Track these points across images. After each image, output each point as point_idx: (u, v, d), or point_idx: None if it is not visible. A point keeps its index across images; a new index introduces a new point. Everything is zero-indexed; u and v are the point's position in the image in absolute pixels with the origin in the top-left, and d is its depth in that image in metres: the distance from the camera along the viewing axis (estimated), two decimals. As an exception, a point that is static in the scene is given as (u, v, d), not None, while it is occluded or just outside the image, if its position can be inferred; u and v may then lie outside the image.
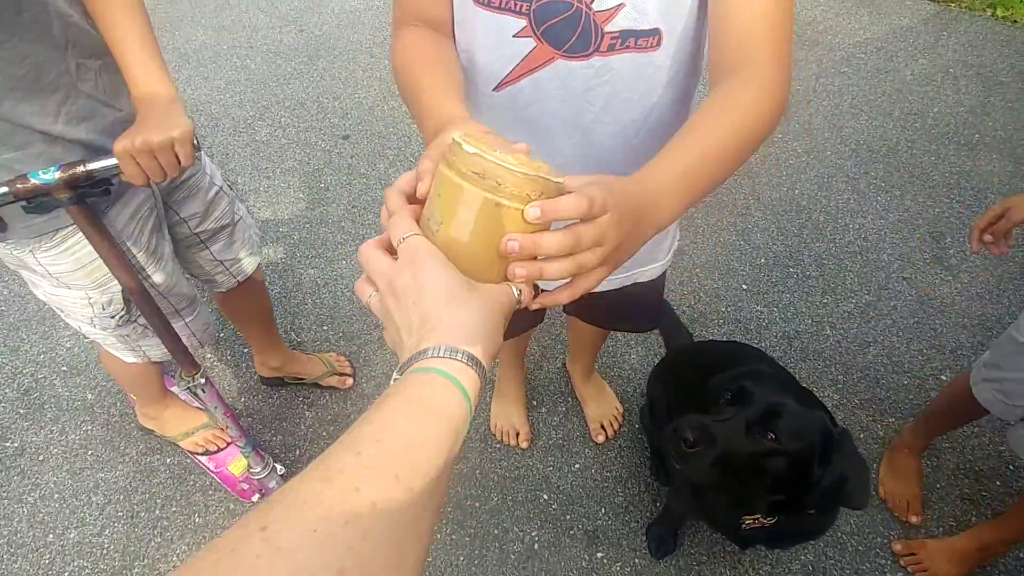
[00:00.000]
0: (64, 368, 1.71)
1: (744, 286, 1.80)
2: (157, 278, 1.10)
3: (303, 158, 2.20)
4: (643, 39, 0.67)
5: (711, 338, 1.69)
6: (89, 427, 1.60)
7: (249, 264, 1.32)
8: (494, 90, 0.75)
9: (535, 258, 0.44)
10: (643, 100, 0.73)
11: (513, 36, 0.69)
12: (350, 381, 1.63)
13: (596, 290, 0.97)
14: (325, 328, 1.76)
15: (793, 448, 0.86)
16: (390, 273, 0.44)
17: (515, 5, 0.66)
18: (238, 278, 1.31)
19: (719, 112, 0.59)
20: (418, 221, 0.47)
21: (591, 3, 0.65)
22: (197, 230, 1.18)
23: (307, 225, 2.00)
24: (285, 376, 1.60)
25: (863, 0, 2.67)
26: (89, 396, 1.65)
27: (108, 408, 1.63)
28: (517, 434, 1.53)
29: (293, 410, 1.61)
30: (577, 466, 1.50)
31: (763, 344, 1.67)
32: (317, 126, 2.30)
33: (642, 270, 0.98)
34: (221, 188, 1.19)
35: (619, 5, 0.65)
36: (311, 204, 2.06)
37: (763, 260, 1.86)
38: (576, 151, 0.78)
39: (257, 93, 2.43)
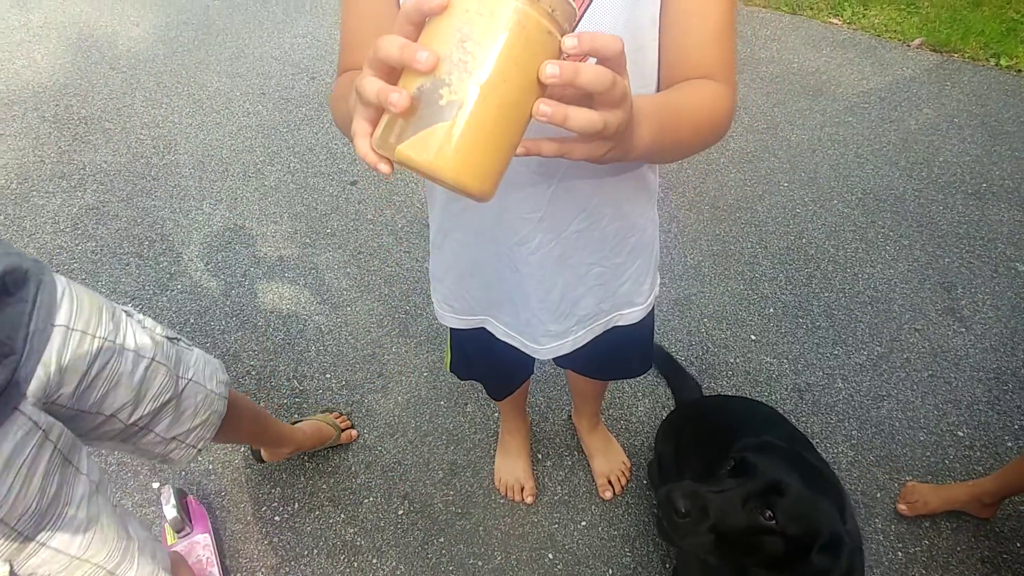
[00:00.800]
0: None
1: (753, 336, 1.77)
2: (58, 542, 0.81)
3: (311, 203, 2.22)
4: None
5: (720, 390, 1.66)
6: (86, 476, 1.57)
7: (213, 418, 1.07)
8: None
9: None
10: None
11: None
12: (355, 433, 1.60)
13: (582, 343, 0.96)
14: (328, 376, 1.74)
15: (792, 531, 0.82)
16: None
17: None
18: (199, 446, 1.05)
19: (690, 88, 0.63)
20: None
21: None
22: (131, 420, 0.93)
23: (313, 271, 2.00)
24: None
25: (866, 51, 2.71)
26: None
27: (104, 457, 1.60)
28: (522, 488, 1.49)
29: (292, 461, 1.58)
30: (584, 523, 1.45)
31: (774, 397, 1.64)
32: (326, 171, 2.33)
33: (620, 313, 0.96)
34: (153, 359, 0.94)
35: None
36: (318, 250, 2.07)
37: (772, 310, 1.83)
38: (549, 201, 0.77)
39: (268, 139, 2.47)
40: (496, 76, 0.38)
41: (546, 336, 0.93)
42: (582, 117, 0.39)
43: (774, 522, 0.82)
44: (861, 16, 2.88)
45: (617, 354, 1.14)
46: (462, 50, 0.37)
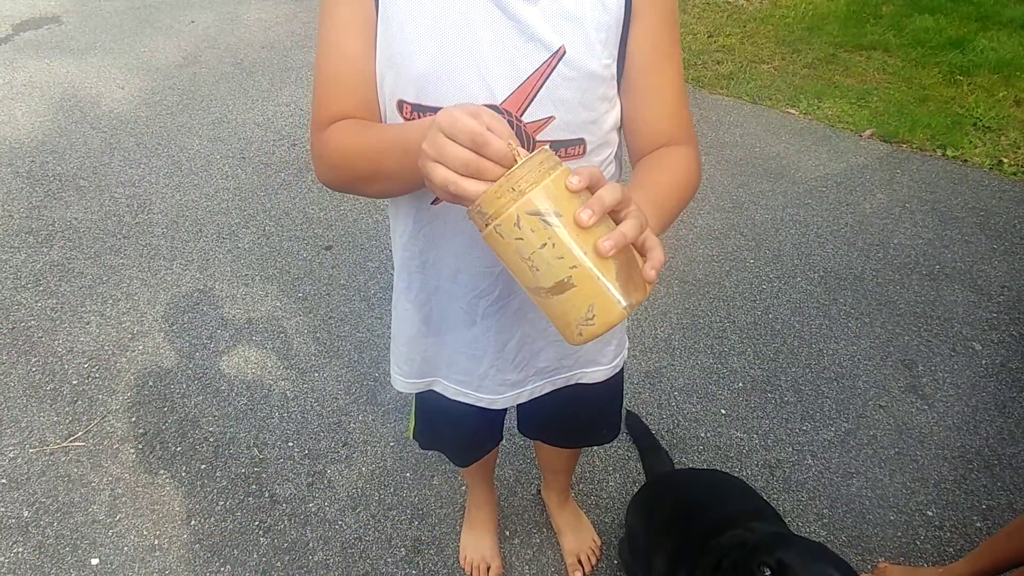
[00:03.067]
0: (3, 480, 1.59)
1: (723, 411, 1.78)
2: None
3: (284, 266, 2.21)
4: (571, 147, 0.73)
5: (691, 465, 1.65)
6: (20, 549, 1.46)
7: None
8: (432, 204, 0.77)
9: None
10: None
11: None
12: None
13: (540, 393, 0.96)
14: (290, 444, 1.68)
15: None
16: None
17: None
18: None
19: (666, 163, 0.73)
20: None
21: (520, 116, 0.69)
22: None
23: (281, 335, 1.97)
24: None
25: (821, 139, 2.88)
26: (25, 513, 1.53)
27: (44, 528, 1.50)
28: (488, 568, 1.42)
29: (246, 535, 1.49)
30: (551, 607, 1.39)
31: (745, 472, 1.63)
32: (301, 235, 2.33)
33: (583, 371, 0.96)
34: None
35: (548, 118, 0.70)
36: (287, 313, 2.04)
37: (741, 384, 1.85)
38: None
39: (244, 201, 2.48)
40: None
41: (503, 385, 0.92)
42: (631, 230, 0.50)
43: None
44: (816, 107, 3.08)
45: (584, 419, 1.13)
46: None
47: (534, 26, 0.66)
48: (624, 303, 0.49)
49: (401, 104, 0.70)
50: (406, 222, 0.82)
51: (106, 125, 2.88)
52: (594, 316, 0.49)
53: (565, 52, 0.67)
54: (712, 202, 2.50)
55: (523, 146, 0.66)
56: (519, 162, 0.49)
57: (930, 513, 1.56)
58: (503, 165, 0.50)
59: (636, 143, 0.77)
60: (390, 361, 1.00)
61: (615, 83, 0.73)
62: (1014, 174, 2.69)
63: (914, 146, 2.85)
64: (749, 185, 2.59)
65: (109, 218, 2.38)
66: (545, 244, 0.48)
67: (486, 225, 0.50)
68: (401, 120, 0.70)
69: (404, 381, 0.98)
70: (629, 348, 1.03)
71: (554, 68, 0.67)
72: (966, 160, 2.77)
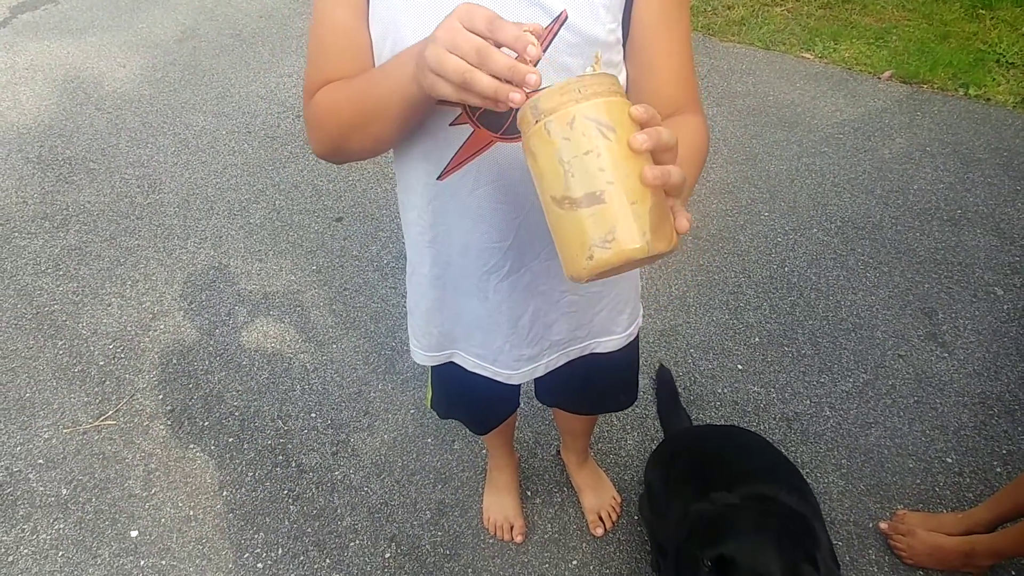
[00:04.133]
0: (40, 461, 1.65)
1: (740, 366, 1.78)
2: None
3: (296, 240, 2.22)
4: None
5: (709, 421, 1.66)
6: (61, 525, 1.52)
7: None
8: (438, 179, 0.76)
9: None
10: None
11: (449, 125, 0.71)
12: None
13: (556, 366, 0.96)
14: (313, 415, 1.71)
15: None
16: None
17: None
18: None
19: (679, 126, 0.69)
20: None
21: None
22: None
23: (298, 308, 1.99)
24: None
25: (838, 83, 2.79)
26: (64, 491, 1.59)
27: (83, 505, 1.56)
28: (511, 527, 1.46)
29: (276, 504, 1.54)
30: (575, 562, 1.43)
31: (762, 427, 1.63)
32: (311, 208, 2.33)
33: (597, 340, 0.96)
34: None
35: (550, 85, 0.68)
36: (303, 287, 2.06)
37: (757, 339, 1.84)
38: (517, 232, 0.79)
39: (253, 176, 2.48)
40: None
41: (519, 360, 0.93)
42: (676, 174, 0.49)
43: None
44: (832, 50, 2.97)
45: (601, 386, 1.13)
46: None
47: None
48: (646, 237, 0.47)
49: None
50: (413, 197, 0.81)
51: (111, 105, 2.87)
52: (613, 240, 0.47)
53: (567, 17, 0.65)
54: (725, 155, 2.44)
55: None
56: (589, 71, 0.49)
57: (949, 460, 1.56)
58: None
59: None
60: (408, 334, 1.00)
61: (620, 48, 0.71)
62: (1040, 111, 2.59)
63: (935, 86, 2.75)
64: (763, 135, 2.53)
65: (121, 200, 2.40)
66: (590, 152, 0.47)
67: (536, 122, 0.49)
68: None
69: (424, 354, 0.99)
70: (644, 308, 1.03)
71: (556, 33, 0.65)
72: (989, 99, 2.67)
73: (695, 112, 0.74)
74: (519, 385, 1.20)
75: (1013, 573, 1.37)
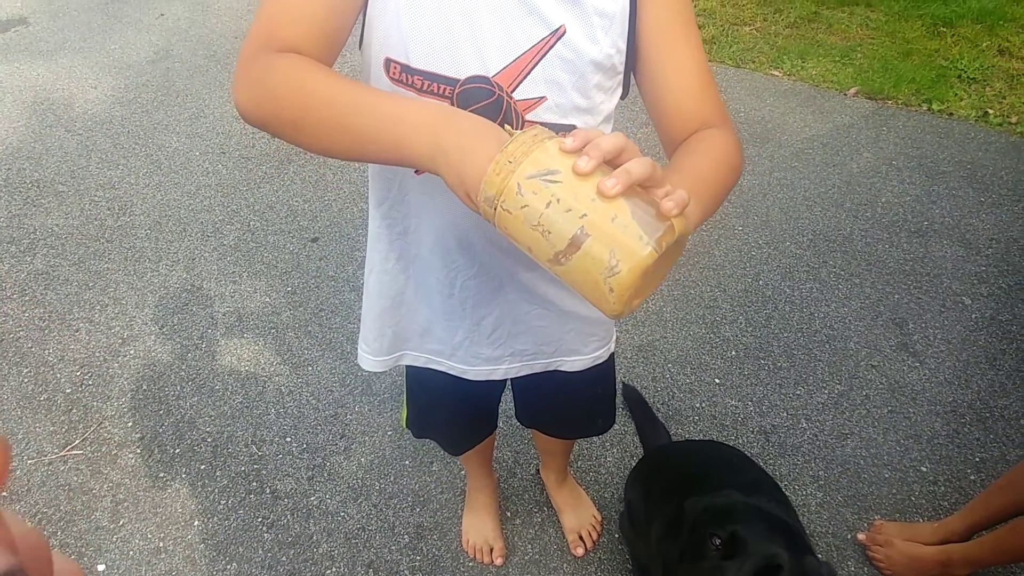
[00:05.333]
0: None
1: (717, 380, 1.79)
2: None
3: (271, 261, 2.19)
4: (560, 132, 0.71)
5: (687, 435, 1.66)
6: (25, 561, 1.47)
7: None
8: (416, 173, 0.75)
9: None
10: None
11: None
12: None
13: (515, 375, 0.94)
14: (288, 440, 1.68)
15: None
16: None
17: (438, 88, 0.66)
18: None
19: (705, 148, 0.67)
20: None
21: (511, 92, 0.67)
22: None
23: (273, 330, 1.96)
24: None
25: (806, 100, 2.85)
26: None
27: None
28: (491, 549, 1.44)
29: (250, 532, 1.50)
30: (556, 583, 1.41)
31: (740, 440, 1.64)
32: (286, 229, 2.31)
33: (563, 359, 0.96)
34: None
35: (540, 98, 0.68)
36: (278, 308, 2.03)
37: (734, 353, 1.86)
38: (493, 234, 0.78)
39: (227, 197, 2.46)
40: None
41: (477, 358, 0.92)
42: (637, 166, 0.48)
43: None
44: (799, 68, 3.05)
45: (578, 411, 1.13)
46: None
47: (536, 0, 0.64)
48: (647, 238, 0.46)
49: (389, 63, 0.66)
50: (389, 190, 0.79)
51: (81, 127, 2.83)
52: (618, 262, 0.46)
53: (565, 32, 0.65)
54: (698, 171, 2.48)
55: (512, 125, 0.64)
56: (511, 138, 0.48)
57: (924, 469, 1.58)
58: None
59: (667, 131, 0.72)
60: (359, 341, 0.98)
61: (616, 75, 0.71)
62: (1000, 124, 2.67)
63: (899, 102, 2.83)
64: (735, 151, 2.57)
65: (91, 223, 2.35)
66: (549, 203, 0.47)
67: (494, 210, 0.49)
68: (386, 79, 0.67)
69: (372, 359, 0.97)
70: (622, 324, 1.03)
71: (552, 47, 0.65)
72: (951, 113, 2.75)
73: (722, 124, 0.70)
74: (496, 407, 1.19)
75: (989, 581, 1.38)
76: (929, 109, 2.78)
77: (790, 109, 2.80)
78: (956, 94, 2.83)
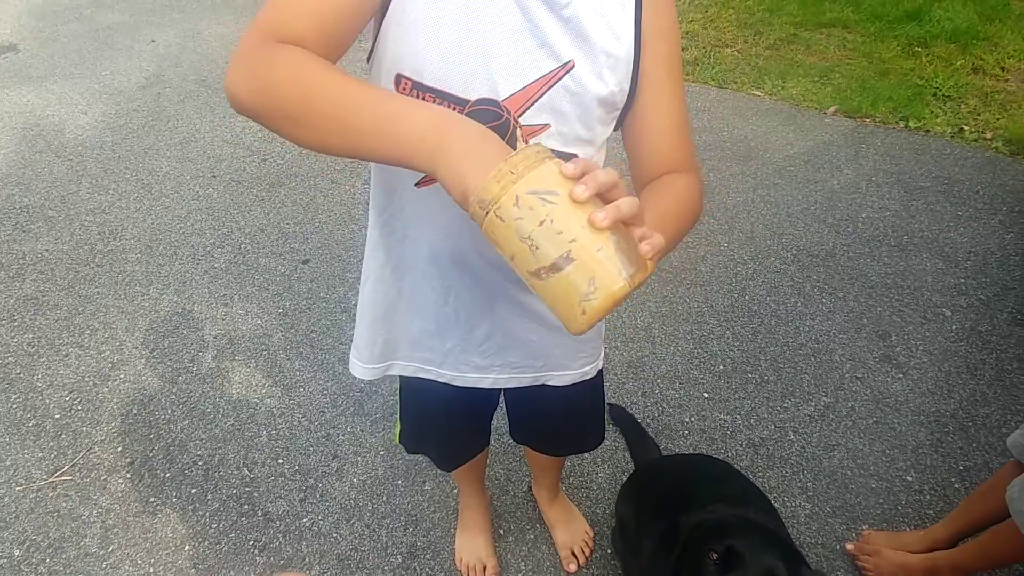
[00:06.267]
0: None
1: (706, 395, 1.81)
2: None
3: (262, 283, 2.20)
4: (561, 159, 0.73)
5: (677, 450, 1.68)
6: (12, 590, 1.45)
7: None
8: (416, 185, 0.77)
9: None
10: None
11: None
12: None
13: (503, 386, 0.96)
14: (280, 462, 1.68)
15: None
16: None
17: (448, 107, 0.67)
18: None
19: (672, 190, 0.73)
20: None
21: (518, 117, 0.70)
22: None
23: (264, 352, 1.97)
24: None
25: (787, 119, 2.92)
26: (16, 552, 1.52)
27: (36, 566, 1.49)
28: (484, 568, 1.44)
29: (242, 555, 1.50)
30: (549, 601, 1.41)
31: (729, 453, 1.66)
32: (277, 251, 2.33)
33: (551, 374, 0.98)
34: None
35: (544, 125, 0.71)
36: (269, 330, 2.04)
37: (722, 367, 1.88)
38: (487, 250, 0.79)
39: (218, 220, 2.47)
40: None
41: (467, 366, 0.94)
42: (625, 205, 0.50)
43: None
44: (780, 88, 3.13)
45: (570, 427, 1.14)
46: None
47: (549, 33, 0.66)
48: (625, 274, 0.50)
49: (400, 78, 0.67)
50: (390, 198, 0.82)
51: (71, 152, 2.85)
52: (596, 289, 0.50)
53: (574, 66, 0.68)
54: (683, 189, 2.52)
55: (515, 146, 0.68)
56: (516, 151, 0.51)
57: (909, 478, 1.60)
58: None
59: (640, 167, 0.77)
60: (351, 349, 1.00)
61: (616, 110, 0.75)
62: (975, 140, 2.75)
63: (877, 120, 2.90)
64: (720, 169, 2.63)
65: (81, 247, 2.36)
66: (544, 221, 0.49)
67: (486, 213, 0.51)
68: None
69: (363, 367, 0.98)
70: (611, 340, 1.05)
71: (560, 79, 0.68)
72: (928, 130, 2.83)
73: (688, 169, 0.76)
74: (489, 421, 1.21)
75: (976, 589, 1.40)
76: (906, 126, 2.86)
77: (772, 128, 2.86)
78: (932, 111, 2.91)
